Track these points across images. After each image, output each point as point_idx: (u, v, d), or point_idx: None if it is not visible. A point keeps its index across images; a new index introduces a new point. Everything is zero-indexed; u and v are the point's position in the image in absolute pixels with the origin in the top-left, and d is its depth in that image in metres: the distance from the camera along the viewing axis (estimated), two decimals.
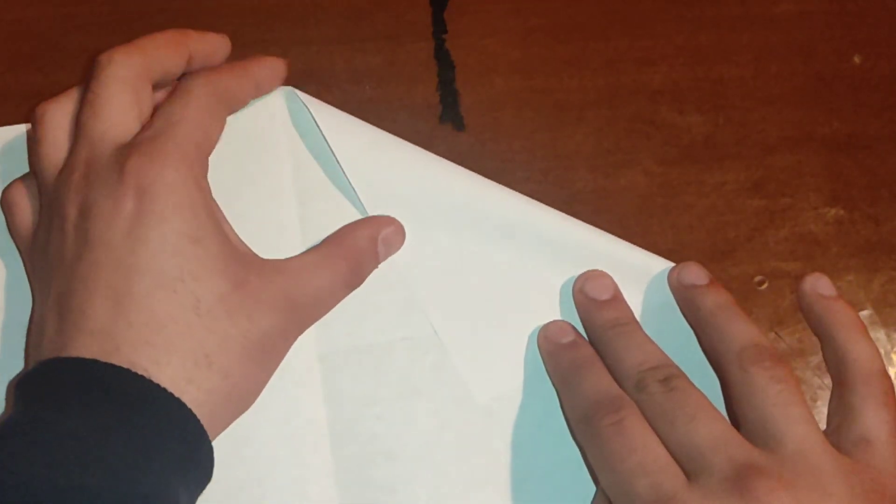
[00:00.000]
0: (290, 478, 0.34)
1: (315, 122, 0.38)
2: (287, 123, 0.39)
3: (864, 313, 0.39)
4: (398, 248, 0.37)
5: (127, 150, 0.32)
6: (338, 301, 0.35)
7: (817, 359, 0.38)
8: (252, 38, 0.41)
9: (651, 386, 0.32)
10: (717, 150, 0.41)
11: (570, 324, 0.37)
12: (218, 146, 0.38)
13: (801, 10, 0.44)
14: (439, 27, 0.43)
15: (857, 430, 0.32)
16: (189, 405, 0.29)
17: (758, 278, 0.39)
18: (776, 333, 0.39)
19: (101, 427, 0.28)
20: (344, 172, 0.37)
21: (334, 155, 0.37)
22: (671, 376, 0.33)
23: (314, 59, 0.41)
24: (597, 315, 0.36)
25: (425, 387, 0.36)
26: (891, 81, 0.43)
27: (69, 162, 0.33)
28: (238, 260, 0.33)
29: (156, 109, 0.34)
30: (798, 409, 0.31)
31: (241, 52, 0.41)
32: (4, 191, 0.36)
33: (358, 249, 0.35)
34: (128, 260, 0.30)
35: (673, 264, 0.38)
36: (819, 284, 0.37)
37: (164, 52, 0.34)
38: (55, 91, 0.39)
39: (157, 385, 0.29)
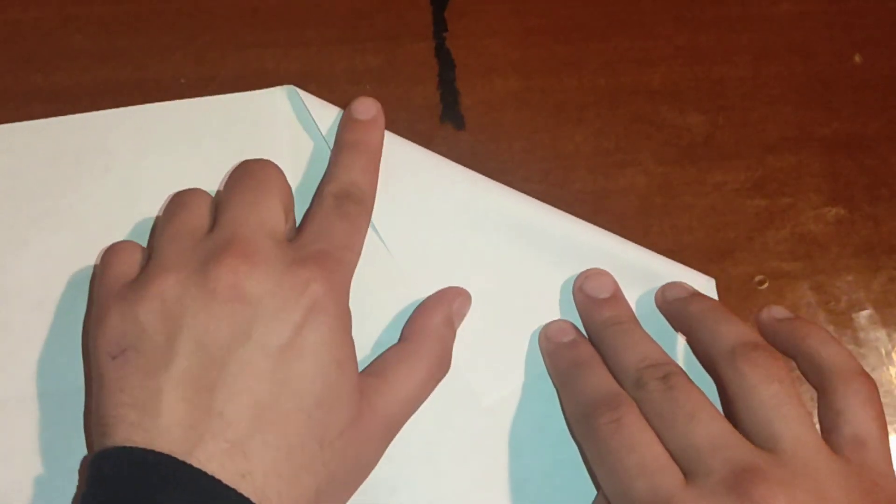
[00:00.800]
0: None
1: (314, 121, 0.38)
2: (288, 122, 0.39)
3: (864, 313, 0.39)
4: (468, 312, 0.37)
5: (300, 256, 0.32)
6: (425, 399, 0.34)
7: None
8: (252, 38, 0.41)
9: (650, 384, 0.32)
10: (717, 150, 0.41)
11: (570, 323, 0.37)
12: (220, 144, 0.39)
13: (801, 10, 0.44)
14: (439, 27, 0.43)
15: (849, 430, 0.32)
16: None
17: (758, 278, 0.39)
18: None
19: None
20: None
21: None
22: (670, 374, 0.33)
23: (314, 60, 0.41)
24: (596, 313, 0.36)
25: None
26: (891, 81, 0.43)
27: (233, 235, 0.32)
28: (358, 387, 0.32)
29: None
30: (793, 409, 0.31)
31: (242, 52, 0.41)
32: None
33: (441, 340, 0.35)
34: (281, 372, 0.30)
35: (671, 262, 0.38)
36: (774, 312, 0.37)
37: None
38: (55, 91, 0.40)
39: None
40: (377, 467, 0.34)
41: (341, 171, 0.36)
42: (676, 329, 0.37)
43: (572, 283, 0.37)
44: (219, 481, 0.27)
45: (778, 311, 0.37)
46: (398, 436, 0.35)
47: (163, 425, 0.28)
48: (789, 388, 0.32)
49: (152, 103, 0.39)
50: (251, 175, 0.35)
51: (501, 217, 0.37)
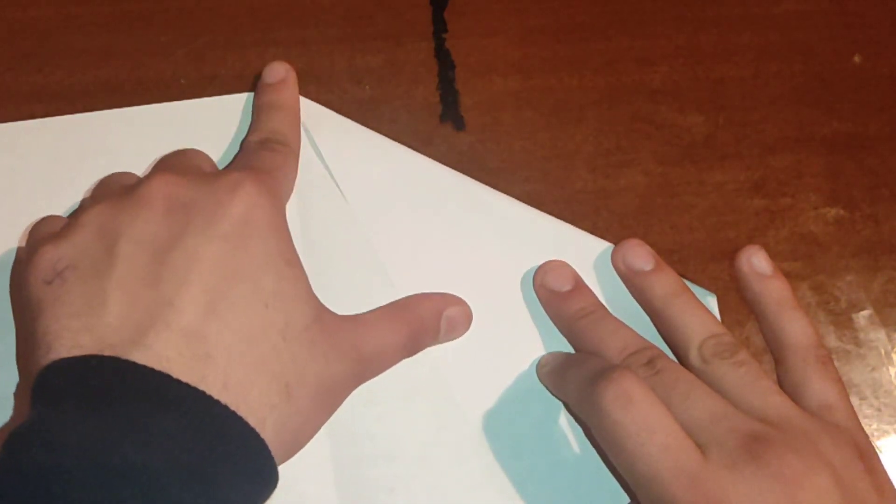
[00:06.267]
0: (289, 478, 0.34)
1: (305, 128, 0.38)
2: None
3: (864, 313, 0.39)
4: (462, 332, 0.36)
5: (241, 170, 0.32)
6: (392, 364, 0.34)
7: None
8: (252, 38, 0.41)
9: (638, 370, 0.33)
10: (717, 150, 0.41)
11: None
12: (219, 145, 0.39)
13: (801, 10, 0.44)
14: (440, 27, 0.43)
15: (814, 398, 0.33)
16: (266, 439, 0.28)
17: None
18: None
19: (175, 459, 0.25)
20: (332, 177, 0.37)
21: (323, 161, 0.38)
22: (654, 358, 0.33)
23: (314, 59, 0.41)
24: (564, 307, 0.36)
25: (424, 388, 0.36)
26: (891, 81, 0.43)
27: (160, 168, 0.34)
28: (315, 296, 0.32)
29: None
30: (766, 382, 0.32)
31: (242, 52, 0.41)
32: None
33: (421, 319, 0.35)
34: (229, 263, 0.29)
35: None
36: (755, 260, 0.37)
37: None
38: (55, 91, 0.40)
39: (246, 423, 0.27)
40: (376, 468, 0.34)
41: (260, 123, 0.37)
42: (635, 298, 0.37)
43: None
44: (168, 376, 0.26)
45: (758, 260, 0.37)
46: (396, 436, 0.35)
47: (110, 322, 0.27)
48: (757, 369, 0.33)
49: (152, 104, 0.39)
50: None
51: (494, 223, 0.37)
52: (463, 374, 0.36)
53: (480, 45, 0.42)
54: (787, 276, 0.37)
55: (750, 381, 0.32)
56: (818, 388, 0.33)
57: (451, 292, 0.36)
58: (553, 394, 0.36)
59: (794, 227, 0.40)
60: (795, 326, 0.35)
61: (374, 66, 0.42)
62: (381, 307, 0.35)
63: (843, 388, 0.34)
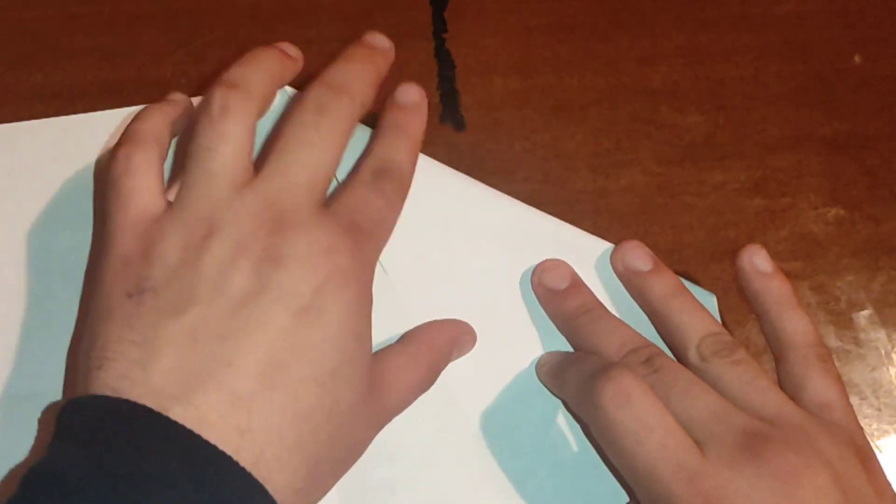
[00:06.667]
0: None
1: None
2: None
3: (864, 313, 0.39)
4: (466, 353, 0.36)
5: (341, 230, 0.30)
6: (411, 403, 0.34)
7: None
8: (252, 38, 0.41)
9: (636, 369, 0.33)
10: (717, 150, 0.41)
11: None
12: None
13: (801, 10, 0.44)
14: (440, 27, 0.43)
15: (813, 396, 0.33)
16: None
17: None
18: None
19: None
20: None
21: None
22: (653, 356, 0.33)
23: (314, 59, 0.41)
24: (562, 305, 0.36)
25: None
26: (891, 81, 0.43)
27: (261, 185, 0.30)
28: (371, 366, 0.31)
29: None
30: (764, 381, 0.32)
31: (242, 52, 0.41)
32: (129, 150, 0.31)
33: (438, 351, 0.34)
34: (298, 335, 0.28)
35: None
36: (756, 259, 0.36)
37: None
38: (55, 91, 0.40)
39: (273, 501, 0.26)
40: (377, 468, 0.34)
41: (381, 148, 0.34)
42: (633, 298, 0.37)
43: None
44: (201, 438, 0.25)
45: (759, 259, 0.36)
46: (397, 436, 0.35)
47: (165, 367, 0.27)
48: (755, 367, 0.33)
49: (152, 103, 0.39)
50: (317, 111, 0.32)
51: (493, 223, 0.37)
52: (463, 375, 0.36)
53: (480, 45, 0.42)
54: (788, 275, 0.37)
55: (749, 379, 0.32)
56: (818, 386, 0.33)
57: (450, 292, 0.37)
58: (553, 393, 0.36)
59: (794, 227, 0.40)
60: (796, 325, 0.35)
61: None
62: (404, 343, 0.34)
63: (843, 387, 0.34)
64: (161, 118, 0.33)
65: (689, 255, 0.39)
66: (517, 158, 0.41)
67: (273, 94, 0.33)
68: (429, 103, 0.41)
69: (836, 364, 0.35)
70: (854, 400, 0.37)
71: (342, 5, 0.43)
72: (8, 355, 0.35)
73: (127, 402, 0.26)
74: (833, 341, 0.39)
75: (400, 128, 0.35)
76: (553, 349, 0.37)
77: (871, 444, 0.32)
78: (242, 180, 0.30)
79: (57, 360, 0.36)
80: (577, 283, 0.36)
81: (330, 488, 0.31)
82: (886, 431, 0.38)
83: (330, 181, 0.32)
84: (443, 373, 0.36)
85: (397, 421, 0.35)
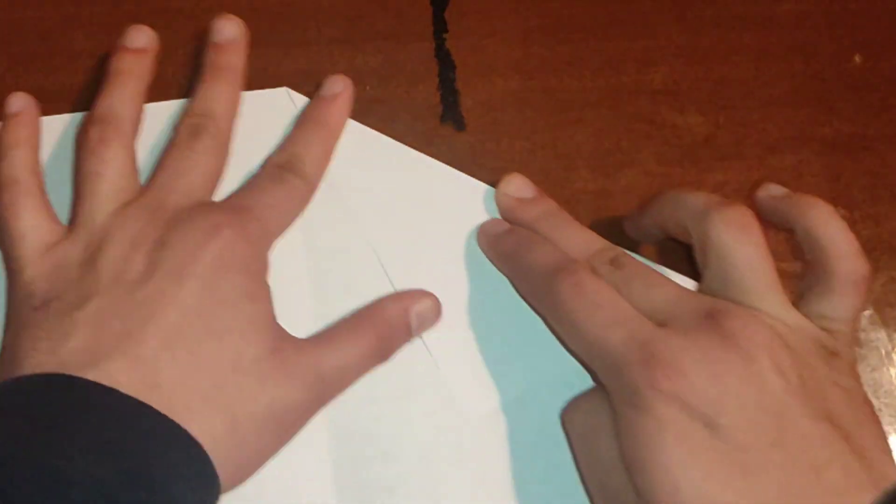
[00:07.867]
0: (287, 478, 0.34)
1: None
2: (281, 124, 0.39)
3: (864, 313, 0.39)
4: (434, 323, 0.36)
5: (229, 211, 0.33)
6: (361, 375, 0.34)
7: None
8: (252, 38, 0.41)
9: (601, 268, 0.33)
10: (717, 150, 0.41)
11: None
12: None
13: (801, 10, 0.44)
14: (440, 27, 0.43)
15: (824, 308, 0.32)
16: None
17: None
18: None
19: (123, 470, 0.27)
20: (333, 177, 0.37)
21: None
22: (618, 255, 0.34)
23: (314, 59, 0.41)
24: (527, 210, 0.37)
25: (423, 388, 0.36)
26: (891, 81, 0.43)
27: (146, 196, 0.34)
28: (278, 328, 0.33)
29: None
30: (766, 263, 0.32)
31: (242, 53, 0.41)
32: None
33: (388, 322, 0.35)
34: (193, 302, 0.31)
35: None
36: (772, 190, 0.35)
37: None
38: (55, 91, 0.40)
39: (187, 433, 0.28)
40: (375, 468, 0.34)
41: (290, 143, 0.37)
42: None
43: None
44: (115, 391, 0.28)
45: (776, 189, 0.35)
46: (395, 436, 0.35)
47: (73, 347, 0.29)
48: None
49: (152, 103, 0.39)
50: (191, 133, 0.36)
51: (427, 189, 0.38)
52: (461, 374, 0.36)
53: (480, 45, 0.42)
54: (788, 275, 0.37)
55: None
56: (841, 308, 0.32)
57: (450, 292, 0.37)
58: (493, 263, 0.37)
59: None
60: (837, 232, 0.33)
61: (374, 66, 0.42)
62: (345, 318, 0.35)
63: (858, 314, 0.32)
64: (29, 153, 0.36)
65: (689, 255, 0.39)
66: (517, 158, 0.41)
67: (140, 106, 0.37)
68: (429, 103, 0.41)
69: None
70: None
71: (342, 5, 0.43)
72: None
73: (41, 374, 0.29)
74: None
75: (316, 122, 0.38)
76: (555, 355, 0.36)
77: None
78: (130, 196, 0.34)
79: None
80: (541, 194, 0.37)
81: (268, 453, 0.32)
82: (886, 431, 0.38)
83: (214, 184, 0.36)
84: (441, 373, 0.36)
85: (397, 421, 0.36)
